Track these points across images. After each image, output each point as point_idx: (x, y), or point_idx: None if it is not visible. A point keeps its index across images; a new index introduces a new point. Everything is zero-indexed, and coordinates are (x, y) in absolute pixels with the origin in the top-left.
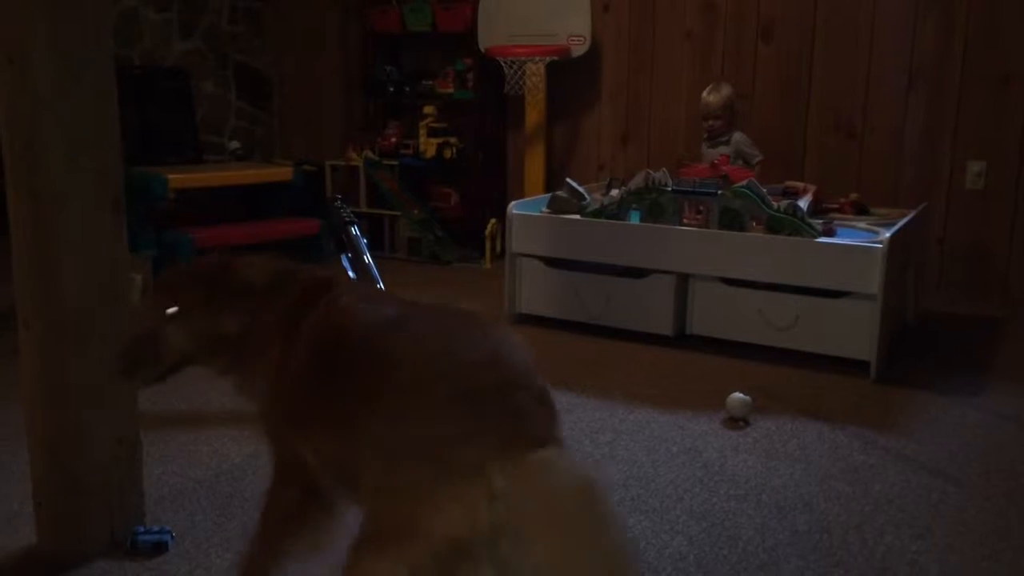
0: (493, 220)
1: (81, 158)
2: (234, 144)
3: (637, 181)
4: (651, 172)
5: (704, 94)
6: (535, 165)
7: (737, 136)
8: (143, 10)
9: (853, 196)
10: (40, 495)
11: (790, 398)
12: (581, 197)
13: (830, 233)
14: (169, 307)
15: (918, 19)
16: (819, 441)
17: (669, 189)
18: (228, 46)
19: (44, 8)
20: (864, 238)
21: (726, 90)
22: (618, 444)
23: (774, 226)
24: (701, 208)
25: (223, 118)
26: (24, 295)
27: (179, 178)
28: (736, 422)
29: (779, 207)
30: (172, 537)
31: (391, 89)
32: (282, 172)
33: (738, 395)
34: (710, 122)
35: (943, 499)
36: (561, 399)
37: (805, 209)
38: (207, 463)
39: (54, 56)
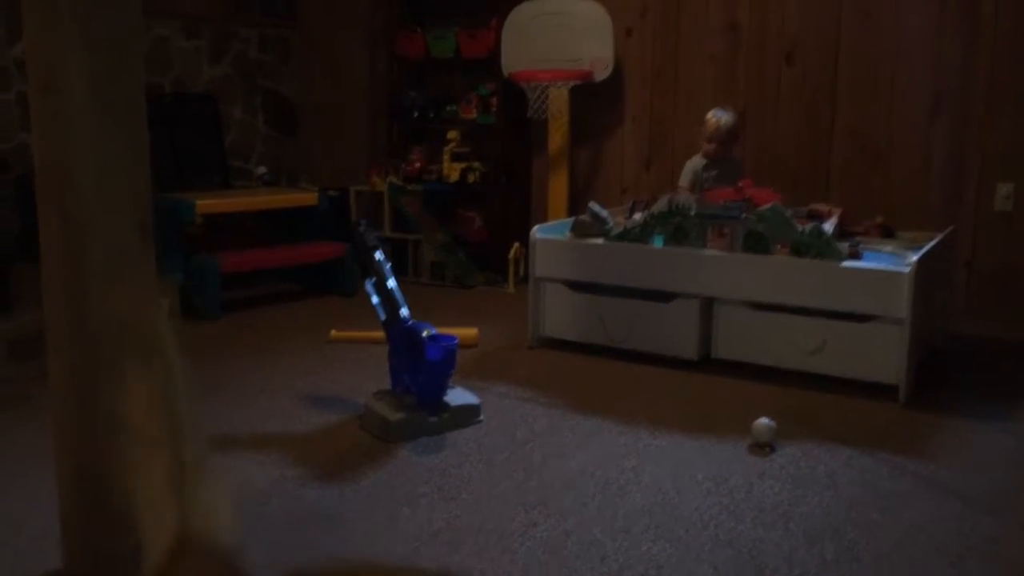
0: (517, 244)
1: (111, 184)
2: (261, 169)
3: (660, 205)
4: (674, 195)
5: (719, 116)
6: (558, 189)
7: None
8: (175, 38)
9: (879, 219)
10: (67, 519)
11: (817, 423)
12: (604, 221)
13: (856, 256)
14: None
15: (943, 40)
16: (847, 467)
17: (693, 213)
18: (256, 73)
19: (78, 39)
20: (891, 262)
21: (731, 116)
22: (643, 470)
23: (799, 249)
24: (725, 231)
25: (250, 144)
26: (54, 320)
27: (207, 203)
28: (762, 448)
29: (804, 230)
30: None
31: (415, 114)
32: (308, 197)
33: (764, 420)
34: (714, 144)
35: (975, 528)
36: (585, 424)
37: (831, 232)
38: (232, 487)
39: (87, 85)
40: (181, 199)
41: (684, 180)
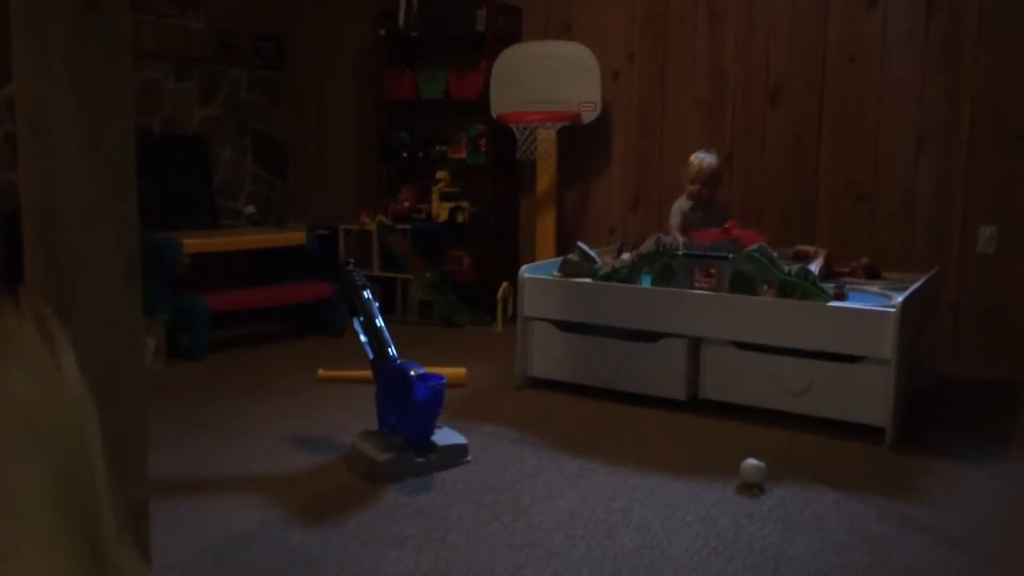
0: (505, 283)
1: (99, 224)
2: (250, 209)
3: (648, 245)
4: (662, 236)
5: (703, 159)
6: (546, 229)
7: (719, 203)
8: (164, 80)
9: (865, 260)
10: None
11: (805, 465)
12: (592, 261)
13: (842, 297)
14: None
15: (926, 82)
16: (835, 510)
17: (680, 253)
18: (246, 114)
19: (68, 80)
20: (876, 302)
21: (714, 158)
22: (631, 511)
23: (786, 290)
24: (712, 272)
25: (239, 184)
26: None
27: (194, 243)
28: (750, 489)
29: (790, 271)
30: None
31: (405, 155)
32: (296, 236)
33: (752, 461)
34: (699, 186)
35: (963, 571)
36: (572, 464)
37: (817, 273)
38: (215, 529)
39: (76, 128)
40: (168, 238)
41: (674, 221)
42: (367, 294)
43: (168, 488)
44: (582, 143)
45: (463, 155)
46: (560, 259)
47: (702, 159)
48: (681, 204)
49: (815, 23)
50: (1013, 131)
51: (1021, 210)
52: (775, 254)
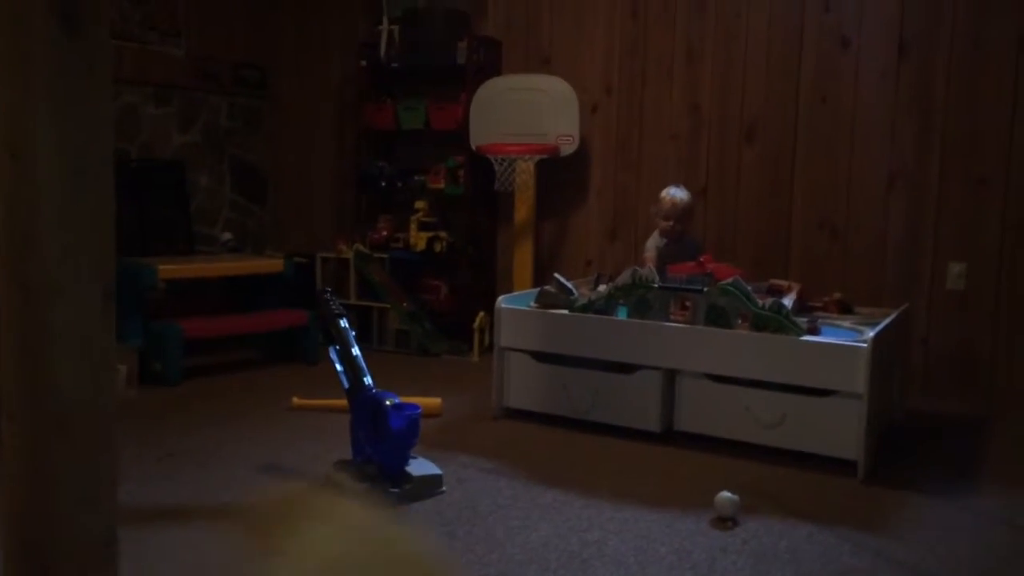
0: (482, 313)
1: (76, 250)
2: (227, 235)
3: (624, 277)
4: (638, 268)
5: (674, 195)
6: (523, 260)
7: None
8: (143, 106)
9: (837, 295)
10: None
11: (778, 497)
12: (569, 292)
13: (815, 331)
14: None
15: (897, 122)
16: (808, 543)
17: (656, 285)
18: (225, 141)
19: (48, 107)
20: (849, 337)
21: (686, 194)
22: (605, 543)
23: (759, 324)
24: (688, 304)
25: (216, 210)
26: (11, 386)
27: (169, 268)
28: (724, 522)
29: (764, 305)
30: None
31: (383, 184)
32: (273, 264)
33: (726, 494)
34: (671, 222)
35: None
36: (547, 496)
37: (790, 307)
38: (185, 560)
39: (57, 152)
40: (143, 264)
41: (649, 255)
42: (343, 323)
43: (138, 518)
44: (560, 175)
45: (442, 185)
46: (537, 290)
47: (674, 195)
48: (655, 240)
49: (790, 62)
50: (979, 174)
51: (989, 248)
52: (749, 288)
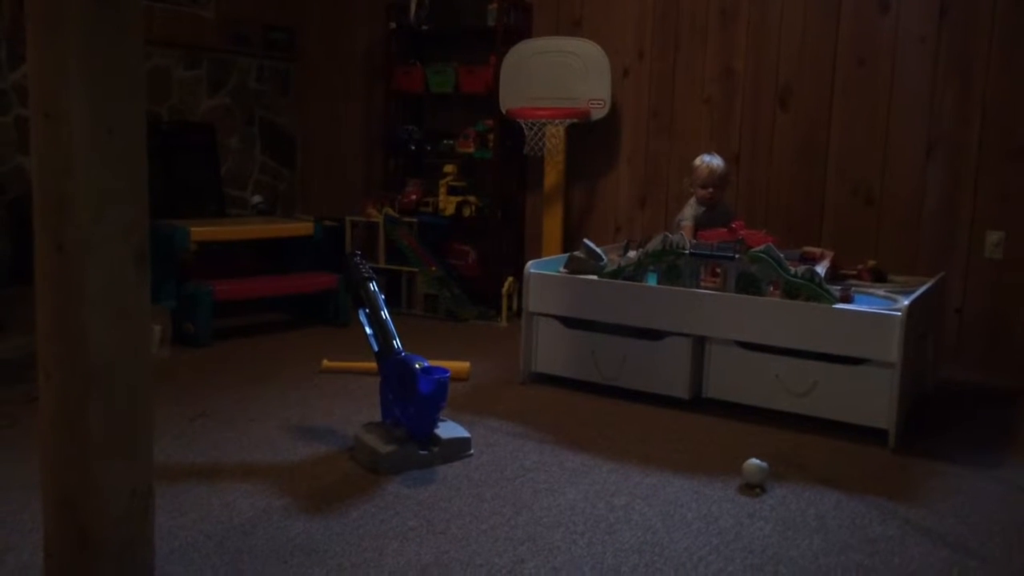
0: (510, 279)
1: (109, 211)
2: (257, 198)
3: (655, 243)
4: (669, 235)
5: (710, 161)
6: (553, 225)
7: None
8: (174, 68)
9: (871, 263)
10: (51, 547)
11: (807, 465)
12: (598, 258)
13: (848, 299)
14: None
15: (936, 88)
16: (837, 511)
17: (687, 252)
18: (255, 103)
19: (80, 67)
20: (882, 305)
21: (721, 161)
22: (632, 508)
23: (791, 291)
24: (718, 271)
25: (247, 173)
26: (46, 347)
27: (201, 231)
28: (752, 489)
29: (796, 272)
30: None
31: (412, 148)
32: (303, 227)
33: (754, 461)
34: (710, 189)
35: (964, 573)
36: (575, 460)
37: (823, 275)
38: (218, 517)
39: (89, 112)
40: (176, 226)
41: (687, 224)
42: (373, 286)
43: (172, 474)
44: (591, 140)
45: (471, 149)
46: (566, 255)
47: (709, 162)
48: (693, 208)
49: (827, 25)
50: (1020, 143)
51: None
52: (781, 255)
